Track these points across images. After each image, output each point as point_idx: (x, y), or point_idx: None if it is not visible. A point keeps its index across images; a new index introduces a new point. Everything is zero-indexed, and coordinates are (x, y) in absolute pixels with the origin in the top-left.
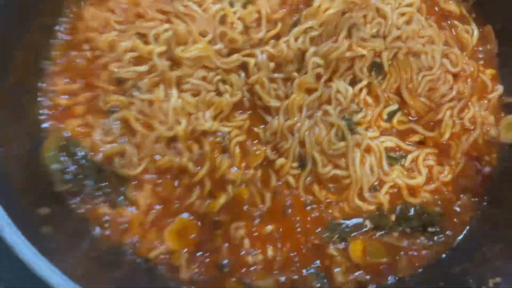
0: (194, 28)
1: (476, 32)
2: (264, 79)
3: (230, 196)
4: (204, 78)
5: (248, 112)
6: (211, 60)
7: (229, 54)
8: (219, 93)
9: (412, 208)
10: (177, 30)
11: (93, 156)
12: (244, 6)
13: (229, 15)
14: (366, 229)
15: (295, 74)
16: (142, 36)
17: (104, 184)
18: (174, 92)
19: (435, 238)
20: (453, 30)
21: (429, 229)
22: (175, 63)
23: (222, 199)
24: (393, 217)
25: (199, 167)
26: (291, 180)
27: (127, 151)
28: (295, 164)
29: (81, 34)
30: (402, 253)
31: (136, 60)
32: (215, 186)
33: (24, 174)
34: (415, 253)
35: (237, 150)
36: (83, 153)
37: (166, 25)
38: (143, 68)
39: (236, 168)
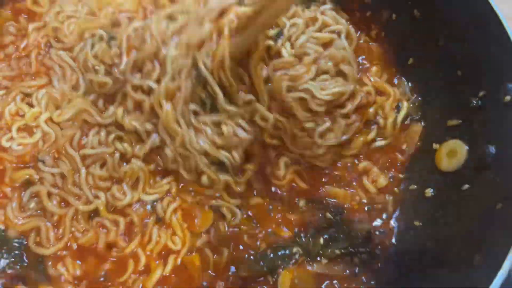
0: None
1: None
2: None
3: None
4: (100, 143)
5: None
6: (90, 115)
7: (105, 102)
8: (122, 156)
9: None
10: (50, 94)
11: (7, 231)
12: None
13: (88, 58)
14: (296, 257)
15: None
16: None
17: (19, 260)
18: (78, 161)
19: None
20: None
21: (360, 249)
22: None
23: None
24: (321, 240)
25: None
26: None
27: (42, 229)
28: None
29: None
30: (334, 281)
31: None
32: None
33: None
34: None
35: (175, 218)
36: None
37: (43, 90)
38: (34, 139)
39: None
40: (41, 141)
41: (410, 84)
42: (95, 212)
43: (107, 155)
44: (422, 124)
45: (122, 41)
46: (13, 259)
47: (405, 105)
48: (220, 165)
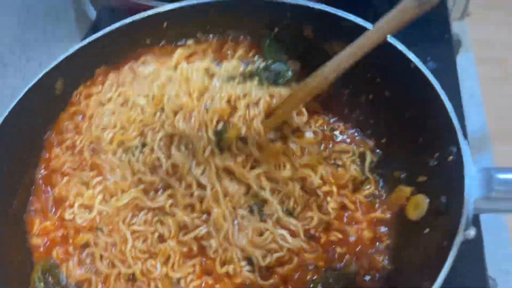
0: (119, 179)
1: None
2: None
3: None
4: (145, 222)
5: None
6: (142, 201)
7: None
8: (160, 236)
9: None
10: (106, 186)
11: (68, 280)
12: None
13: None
14: None
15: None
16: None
17: None
18: (128, 236)
19: None
20: None
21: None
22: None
23: None
24: None
25: None
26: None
27: (92, 281)
28: (244, 264)
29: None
30: None
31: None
32: None
33: None
34: None
35: None
36: (63, 277)
37: (98, 178)
38: (92, 215)
39: None
40: (98, 217)
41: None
42: (133, 276)
43: (149, 233)
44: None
45: (154, 149)
46: None
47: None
48: (249, 261)
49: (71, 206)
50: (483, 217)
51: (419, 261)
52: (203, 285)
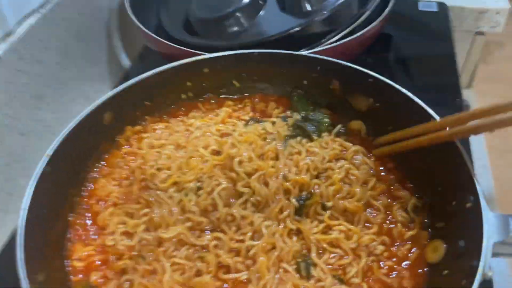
0: (166, 214)
1: None
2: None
3: None
4: (186, 257)
5: None
6: (187, 237)
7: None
8: (197, 271)
9: None
10: (151, 218)
11: None
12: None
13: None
14: None
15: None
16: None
17: None
18: (167, 267)
19: None
20: None
21: None
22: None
23: None
24: None
25: None
26: None
27: None
28: None
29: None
30: None
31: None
32: None
33: None
34: None
35: None
36: None
37: (144, 210)
38: (133, 242)
39: None
40: (138, 244)
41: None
42: None
43: (188, 267)
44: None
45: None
46: None
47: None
48: None
49: (113, 233)
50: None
51: None
52: None
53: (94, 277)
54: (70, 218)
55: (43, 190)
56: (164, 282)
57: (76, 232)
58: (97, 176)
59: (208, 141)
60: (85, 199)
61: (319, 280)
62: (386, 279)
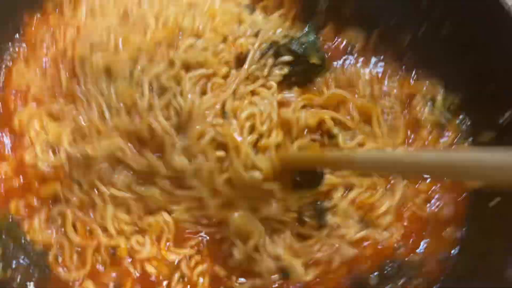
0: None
1: None
2: None
3: None
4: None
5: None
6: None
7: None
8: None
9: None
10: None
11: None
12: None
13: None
14: None
15: None
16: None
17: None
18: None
19: None
20: None
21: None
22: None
23: None
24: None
25: None
26: None
27: (65, 248)
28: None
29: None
30: None
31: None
32: None
33: None
34: None
35: (201, 281)
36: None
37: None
38: (58, 158)
39: None
40: (67, 164)
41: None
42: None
43: (133, 201)
44: None
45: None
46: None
47: None
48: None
49: (32, 143)
50: None
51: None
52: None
53: (15, 206)
54: None
55: None
56: (107, 218)
57: None
58: (15, 57)
59: (165, 9)
60: None
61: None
62: (421, 213)
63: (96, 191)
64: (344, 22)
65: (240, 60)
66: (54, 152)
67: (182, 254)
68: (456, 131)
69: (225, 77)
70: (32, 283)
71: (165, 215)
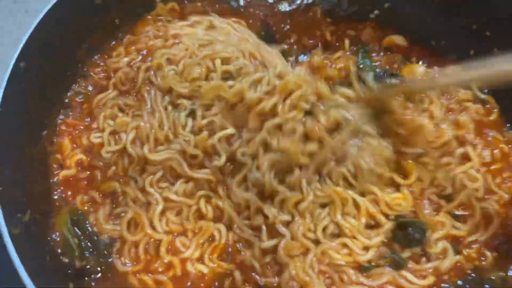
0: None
1: None
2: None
3: None
4: (185, 193)
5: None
6: (179, 166)
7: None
8: (200, 214)
9: None
10: (139, 126)
11: (100, 235)
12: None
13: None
14: None
15: None
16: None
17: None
18: (159, 200)
19: None
20: None
21: None
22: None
23: None
24: None
25: None
26: None
27: (127, 242)
28: None
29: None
30: None
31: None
32: None
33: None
34: None
35: None
36: (94, 230)
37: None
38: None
39: None
40: (127, 158)
41: None
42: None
43: (185, 206)
44: None
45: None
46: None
47: None
48: None
49: (102, 130)
50: None
51: None
52: None
53: (80, 200)
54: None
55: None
56: (155, 217)
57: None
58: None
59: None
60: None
61: None
62: None
63: (151, 190)
64: None
65: None
66: (116, 143)
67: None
68: None
69: None
70: (99, 273)
71: (222, 227)
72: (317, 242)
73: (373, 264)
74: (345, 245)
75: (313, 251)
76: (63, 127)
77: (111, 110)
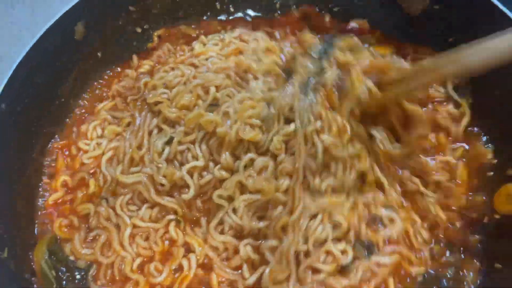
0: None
1: None
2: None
3: None
4: (150, 217)
5: None
6: (147, 192)
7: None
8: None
9: None
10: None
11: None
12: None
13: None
14: None
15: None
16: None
17: None
18: (128, 223)
19: None
20: None
21: None
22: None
23: None
24: None
25: None
26: None
27: (102, 265)
28: None
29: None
30: None
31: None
32: None
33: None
34: None
35: None
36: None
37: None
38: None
39: None
40: (102, 179)
41: None
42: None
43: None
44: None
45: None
46: None
47: None
48: None
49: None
50: None
51: None
52: None
53: (58, 225)
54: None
55: None
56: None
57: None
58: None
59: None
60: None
61: None
62: None
63: (120, 212)
64: None
65: None
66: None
67: None
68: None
69: None
70: None
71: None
72: (307, 254)
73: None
74: (329, 253)
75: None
76: (49, 158)
77: (101, 120)
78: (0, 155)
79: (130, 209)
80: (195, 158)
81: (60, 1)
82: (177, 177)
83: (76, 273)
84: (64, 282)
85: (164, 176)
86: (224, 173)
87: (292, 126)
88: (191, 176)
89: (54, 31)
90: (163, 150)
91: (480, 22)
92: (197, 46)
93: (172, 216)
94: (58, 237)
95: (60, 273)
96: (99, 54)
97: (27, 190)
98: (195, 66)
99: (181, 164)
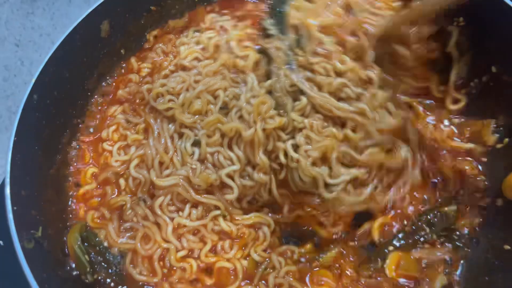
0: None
1: None
2: None
3: None
4: (197, 217)
5: None
6: (186, 191)
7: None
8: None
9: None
10: (143, 154)
11: (111, 250)
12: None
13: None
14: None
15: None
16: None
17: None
18: (168, 222)
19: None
20: None
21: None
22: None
23: None
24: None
25: None
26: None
27: (139, 254)
28: None
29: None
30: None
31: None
32: None
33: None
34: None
35: None
36: (105, 245)
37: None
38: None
39: None
40: (131, 182)
41: None
42: None
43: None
44: None
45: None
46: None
47: None
48: None
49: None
50: None
51: None
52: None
53: (91, 217)
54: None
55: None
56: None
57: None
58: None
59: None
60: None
61: None
62: None
63: (159, 212)
64: None
65: None
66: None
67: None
68: None
69: None
70: (112, 282)
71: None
72: None
73: None
74: None
75: None
76: (76, 150)
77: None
78: (31, 143)
79: (170, 209)
80: (229, 160)
81: (79, 8)
82: (212, 180)
83: (111, 259)
84: (97, 266)
85: (199, 179)
86: (263, 176)
87: (304, 99)
88: (232, 179)
89: (81, 29)
90: (192, 152)
91: None
92: (182, 49)
93: (217, 211)
94: (88, 225)
95: (92, 258)
96: (122, 51)
97: (55, 179)
98: (188, 68)
99: (213, 165)
